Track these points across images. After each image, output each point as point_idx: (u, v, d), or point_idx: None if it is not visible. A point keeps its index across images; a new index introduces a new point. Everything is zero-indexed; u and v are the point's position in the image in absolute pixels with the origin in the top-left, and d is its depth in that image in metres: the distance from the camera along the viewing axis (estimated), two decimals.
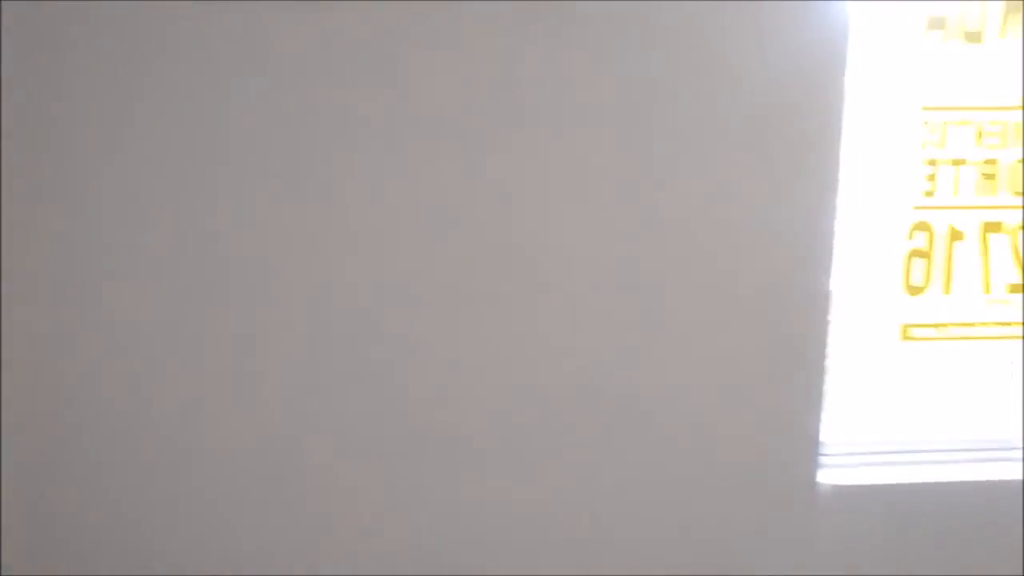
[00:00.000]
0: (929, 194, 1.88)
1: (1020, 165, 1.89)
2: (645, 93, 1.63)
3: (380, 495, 1.69)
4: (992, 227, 1.91)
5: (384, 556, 1.72)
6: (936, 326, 1.92)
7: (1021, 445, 2.02)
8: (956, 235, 1.89)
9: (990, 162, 1.89)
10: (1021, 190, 1.90)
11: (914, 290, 1.90)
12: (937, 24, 1.81)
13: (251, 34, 1.48)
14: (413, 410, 1.67)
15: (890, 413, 2.14)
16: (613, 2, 1.58)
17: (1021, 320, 1.94)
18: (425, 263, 1.62)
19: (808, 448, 1.83)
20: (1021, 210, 1.90)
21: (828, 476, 1.86)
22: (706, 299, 1.73)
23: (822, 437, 1.84)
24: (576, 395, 1.71)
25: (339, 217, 1.58)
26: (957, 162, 1.87)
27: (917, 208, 1.88)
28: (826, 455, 1.87)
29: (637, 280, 1.70)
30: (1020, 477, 1.94)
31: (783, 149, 1.71)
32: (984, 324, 1.94)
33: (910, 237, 1.88)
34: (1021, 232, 1.91)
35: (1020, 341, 1.96)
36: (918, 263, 1.89)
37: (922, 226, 1.88)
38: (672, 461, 1.78)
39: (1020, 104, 1.87)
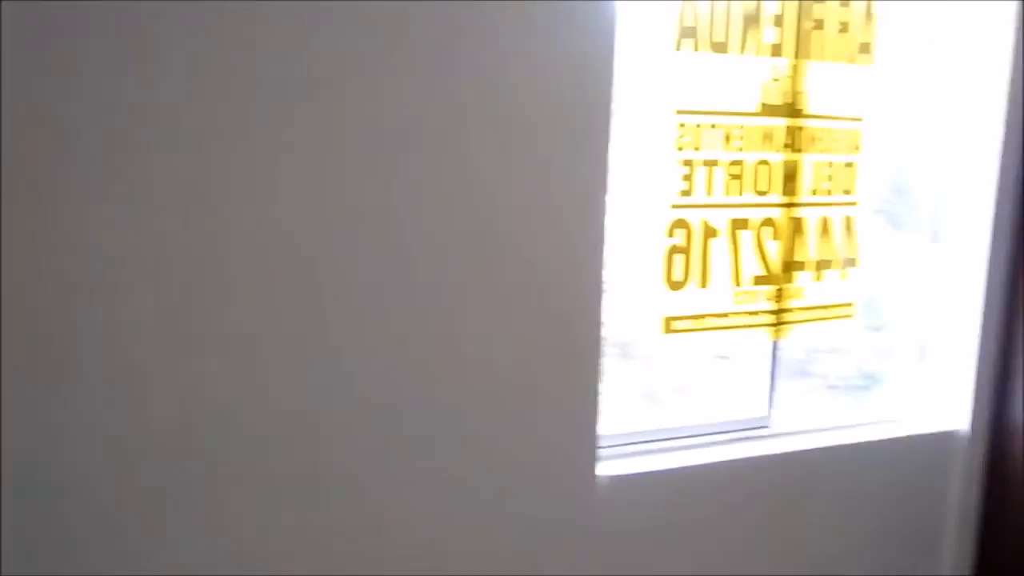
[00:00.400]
0: (686, 193, 2.00)
1: (761, 166, 2.07)
2: (413, 93, 1.63)
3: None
4: (740, 224, 2.07)
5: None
6: (695, 318, 2.05)
7: (769, 423, 2.23)
8: (711, 232, 2.04)
9: (736, 163, 2.05)
10: (764, 189, 2.08)
11: (675, 285, 2.02)
12: (688, 33, 1.94)
13: None
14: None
15: (656, 402, 2.28)
16: (384, 3, 1.56)
17: (768, 309, 2.13)
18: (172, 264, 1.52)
19: (587, 442, 1.89)
20: (767, 208, 2.09)
21: (606, 468, 1.94)
22: (482, 299, 1.75)
23: (599, 430, 1.91)
24: (354, 396, 1.67)
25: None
26: (709, 163, 2.01)
27: (675, 207, 2.00)
28: (603, 447, 1.94)
29: (412, 284, 1.69)
30: (771, 452, 2.13)
31: (554, 150, 1.76)
32: (737, 314, 2.10)
33: (670, 234, 2.00)
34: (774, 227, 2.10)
35: (769, 329, 2.15)
36: (678, 259, 2.02)
37: (680, 224, 2.01)
38: (454, 462, 1.78)
39: (758, 110, 2.04)
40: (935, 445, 2.33)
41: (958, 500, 2.36)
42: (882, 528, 2.29)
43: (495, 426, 1.80)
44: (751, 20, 2.00)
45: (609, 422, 1.97)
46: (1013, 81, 2.21)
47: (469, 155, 1.69)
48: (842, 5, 2.10)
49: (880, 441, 2.27)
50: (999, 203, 2.26)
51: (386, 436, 1.71)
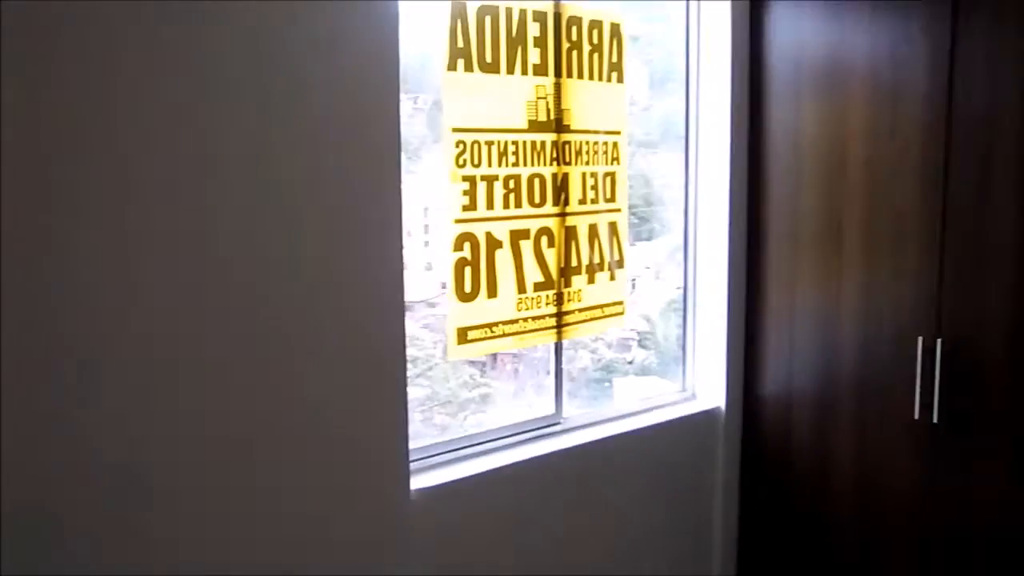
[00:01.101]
0: (469, 208, 2.10)
1: (535, 179, 2.22)
2: (199, 101, 1.57)
3: None
4: (520, 234, 2.21)
5: None
6: (487, 327, 2.16)
7: (560, 420, 2.38)
8: (495, 243, 2.15)
9: (512, 177, 2.18)
10: (539, 201, 2.23)
11: (466, 296, 2.11)
12: (460, 54, 2.04)
13: None
14: None
15: (456, 412, 2.36)
16: (166, 2, 1.50)
17: (551, 313, 2.29)
18: None
19: (397, 457, 1.92)
20: (543, 218, 2.24)
21: (417, 481, 1.98)
22: (283, 322, 1.72)
23: (408, 445, 1.94)
24: (152, 420, 1.57)
25: None
26: (488, 178, 2.13)
27: (459, 221, 2.09)
28: (412, 461, 1.98)
29: (207, 307, 1.62)
30: (563, 447, 2.28)
31: (346, 165, 1.77)
32: (524, 320, 2.23)
33: (457, 248, 2.09)
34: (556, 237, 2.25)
35: (552, 332, 2.31)
36: (466, 271, 2.11)
37: (466, 237, 2.10)
38: (264, 487, 1.72)
39: (528, 127, 2.20)
40: (702, 423, 2.62)
41: (723, 464, 2.67)
42: (666, 499, 2.54)
43: (306, 449, 1.77)
44: (517, 41, 2.15)
45: (416, 435, 2.02)
46: (736, 104, 2.55)
47: (262, 175, 1.66)
48: (592, 28, 2.31)
49: (656, 426, 2.51)
50: (733, 210, 2.58)
51: (191, 461, 1.62)
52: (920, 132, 2.17)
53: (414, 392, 2.17)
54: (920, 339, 2.18)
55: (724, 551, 2.72)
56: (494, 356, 2.46)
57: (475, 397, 2.41)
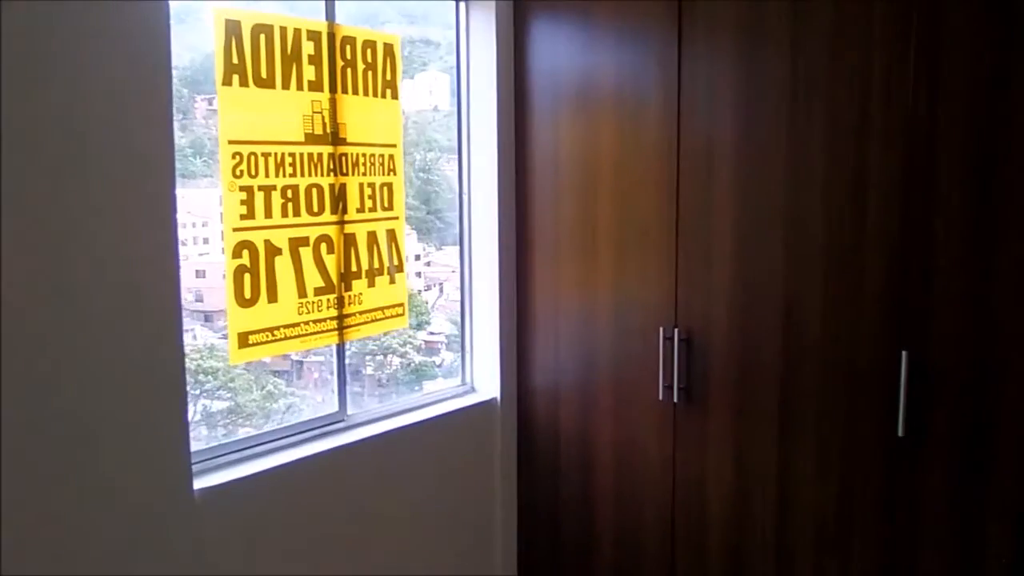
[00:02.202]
0: (247, 217, 2.21)
1: (313, 189, 2.36)
2: None
3: None
4: (300, 241, 2.35)
5: None
6: (268, 331, 2.28)
7: (344, 417, 2.54)
8: (274, 250, 2.28)
9: (290, 187, 2.31)
10: (317, 210, 2.38)
11: (246, 302, 2.22)
12: (235, 70, 2.15)
13: None
14: None
15: (242, 413, 2.46)
16: None
17: (332, 316, 2.44)
18: None
19: (179, 458, 1.99)
20: (321, 226, 2.39)
21: (200, 482, 2.07)
22: (64, 330, 1.76)
23: (190, 446, 2.03)
24: None
25: None
26: (265, 188, 2.25)
27: (238, 230, 2.20)
28: (196, 463, 2.07)
29: None
30: (347, 442, 2.44)
31: (114, 171, 1.82)
32: (305, 324, 2.37)
33: (236, 255, 2.19)
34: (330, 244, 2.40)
35: (335, 334, 2.46)
36: (246, 278, 2.22)
37: (245, 245, 2.21)
38: (47, 495, 1.75)
39: (305, 139, 2.34)
40: (481, 413, 2.86)
41: (500, 452, 2.93)
42: (451, 486, 2.75)
43: (86, 453, 1.81)
44: (292, 58, 2.28)
45: (199, 437, 2.10)
46: (502, 116, 2.81)
47: (31, 182, 1.69)
48: (366, 46, 2.49)
49: (438, 418, 2.72)
50: (502, 217, 2.85)
51: None
52: (657, 150, 2.52)
53: (217, 404, 2.27)
54: (661, 329, 2.53)
55: (505, 532, 2.98)
56: (300, 364, 2.60)
57: (280, 407, 2.53)
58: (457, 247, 2.96)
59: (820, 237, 2.23)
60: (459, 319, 2.97)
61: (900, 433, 2.14)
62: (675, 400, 2.54)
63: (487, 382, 2.92)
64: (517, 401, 2.96)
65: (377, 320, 2.59)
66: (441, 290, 3.09)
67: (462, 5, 2.83)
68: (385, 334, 2.78)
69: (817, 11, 2.20)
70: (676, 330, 2.51)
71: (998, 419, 2.02)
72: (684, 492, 2.57)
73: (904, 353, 2.11)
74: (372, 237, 2.55)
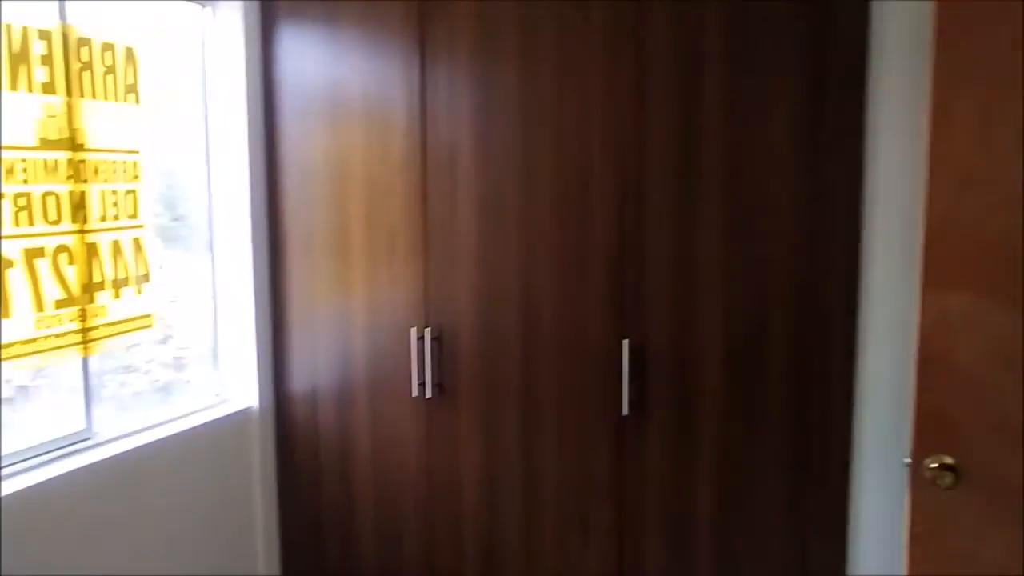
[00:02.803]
0: None
1: (49, 197, 2.28)
2: None
3: None
4: (35, 252, 2.25)
5: None
6: (2, 347, 2.16)
7: (91, 435, 2.45)
8: (6, 263, 2.17)
9: (23, 195, 2.22)
10: (55, 219, 2.29)
11: None
12: None
13: None
14: None
15: None
16: None
17: (75, 329, 2.35)
18: None
19: None
20: (60, 235, 2.30)
21: None
22: None
23: None
24: None
25: None
26: None
27: None
28: None
29: None
30: (96, 460, 2.37)
31: None
32: (44, 339, 2.27)
33: None
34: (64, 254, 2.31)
35: (80, 347, 2.37)
36: None
37: None
38: None
39: (38, 145, 2.25)
40: (236, 423, 2.87)
41: (259, 462, 2.95)
42: (207, 501, 2.73)
43: None
44: (20, 59, 2.19)
45: None
46: (251, 122, 2.85)
47: None
48: (105, 49, 2.43)
49: (191, 430, 2.69)
50: (255, 222, 2.88)
51: None
52: (405, 157, 2.68)
53: None
54: (413, 329, 2.70)
55: (267, 546, 3.01)
56: (11, 375, 2.44)
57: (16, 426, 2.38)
58: (205, 255, 2.94)
59: (550, 240, 2.51)
60: (210, 328, 2.95)
61: (624, 412, 2.46)
62: (428, 396, 2.72)
63: (242, 391, 2.94)
64: (275, 407, 3.00)
65: (124, 332, 2.53)
66: (190, 300, 3.04)
67: (207, 9, 2.83)
68: (129, 349, 2.71)
69: (542, 22, 2.45)
70: (427, 329, 2.69)
71: (700, 390, 2.39)
72: (440, 481, 2.75)
73: (625, 341, 2.43)
74: (117, 246, 2.49)
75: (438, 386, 2.71)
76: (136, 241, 2.56)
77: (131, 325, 2.56)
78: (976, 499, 2.06)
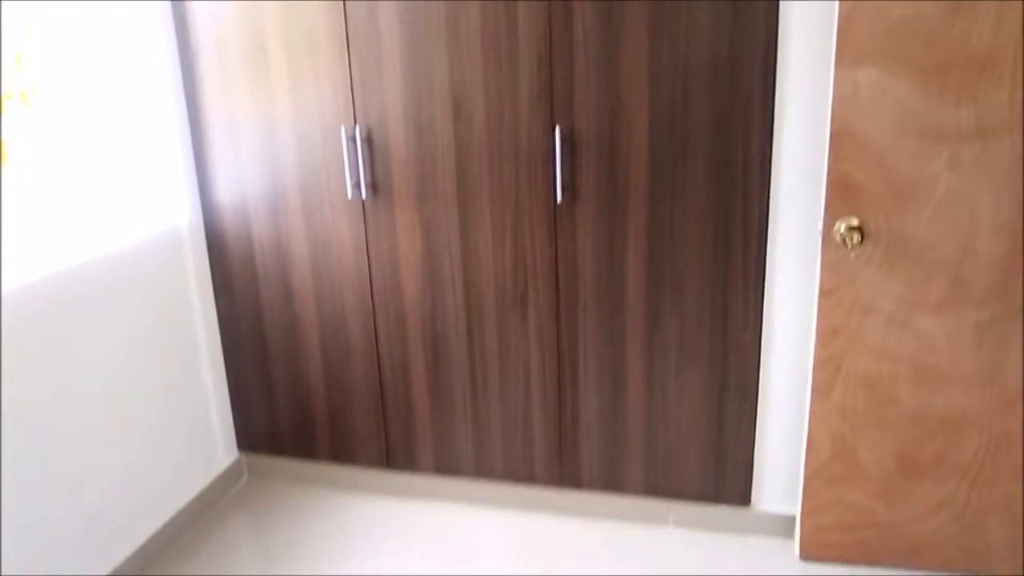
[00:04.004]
0: None
1: None
2: None
3: None
4: None
5: None
6: None
7: None
8: None
9: None
10: None
11: None
12: None
13: None
14: None
15: None
16: None
17: None
18: None
19: None
20: None
21: None
22: None
23: None
24: None
25: None
26: None
27: None
28: None
29: None
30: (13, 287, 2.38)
31: None
32: None
33: None
34: None
35: None
36: None
37: None
38: None
39: None
40: (167, 242, 2.88)
41: (195, 278, 3.01)
42: (147, 323, 2.80)
43: None
44: None
45: None
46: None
47: None
48: None
49: (121, 252, 2.69)
50: (164, 37, 2.76)
51: None
52: None
53: None
54: (342, 128, 2.72)
55: (212, 361, 3.12)
56: None
57: None
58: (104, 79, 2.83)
59: (479, 35, 2.52)
60: (129, 150, 2.88)
61: (558, 200, 2.61)
62: (363, 197, 2.79)
63: (169, 209, 2.92)
64: (205, 222, 3.01)
65: None
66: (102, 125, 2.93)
67: None
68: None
69: None
70: (357, 128, 2.71)
71: (628, 173, 2.55)
72: (381, 277, 2.89)
73: (557, 128, 2.53)
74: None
75: (372, 187, 2.78)
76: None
77: None
78: (877, 255, 2.35)
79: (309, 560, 2.85)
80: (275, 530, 3.03)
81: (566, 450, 2.92)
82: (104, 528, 2.64)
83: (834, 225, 2.34)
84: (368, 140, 2.72)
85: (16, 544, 2.31)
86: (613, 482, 2.92)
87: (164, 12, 2.77)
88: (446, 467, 3.09)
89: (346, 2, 2.61)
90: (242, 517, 3.12)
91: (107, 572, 2.65)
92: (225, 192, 2.95)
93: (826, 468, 2.60)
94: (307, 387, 3.13)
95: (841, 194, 2.31)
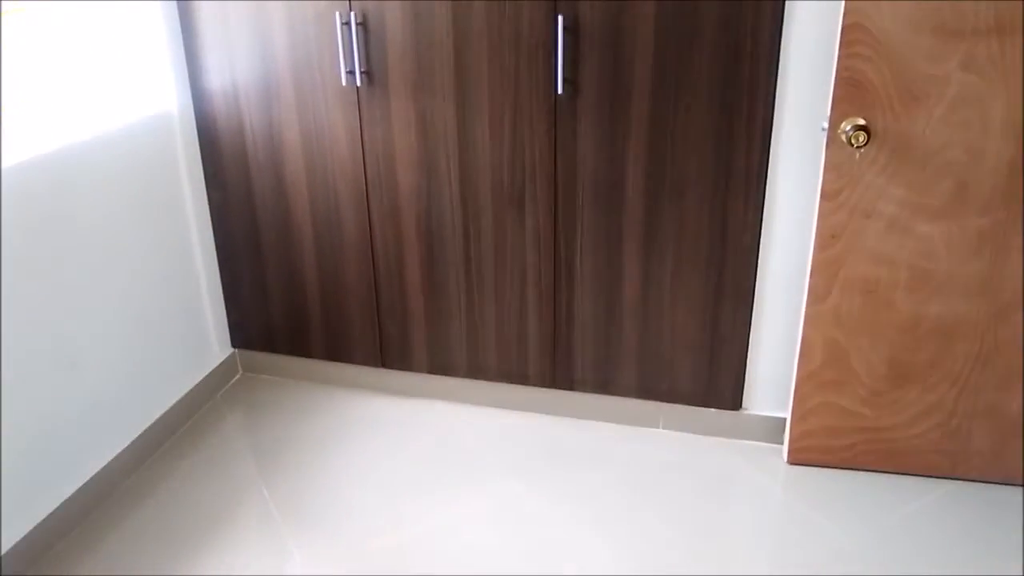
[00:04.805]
0: None
1: None
2: None
3: None
4: None
5: None
6: None
7: None
8: None
9: None
10: None
11: None
12: None
13: None
14: None
15: None
16: None
17: None
18: None
19: None
20: None
21: None
22: None
23: None
24: None
25: None
26: None
27: None
28: None
29: None
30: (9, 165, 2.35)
31: None
32: None
33: None
34: None
35: None
36: None
37: None
38: None
39: None
40: (156, 127, 2.84)
41: (185, 165, 2.98)
42: (140, 208, 2.78)
43: None
44: None
45: None
46: None
47: None
48: None
49: (109, 136, 2.64)
50: None
51: None
52: None
53: None
54: (337, 13, 2.65)
55: (203, 248, 3.11)
56: None
57: None
58: None
59: None
60: (116, 32, 2.81)
61: (559, 91, 2.55)
62: (358, 84, 2.74)
63: (158, 94, 2.87)
64: (195, 108, 2.96)
65: None
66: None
67: None
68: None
69: None
70: (352, 13, 2.64)
71: (632, 67, 2.49)
72: (375, 169, 2.86)
73: (559, 16, 2.46)
74: None
75: (367, 74, 2.72)
76: None
77: None
78: (882, 156, 2.32)
79: (303, 455, 2.90)
80: (269, 426, 3.07)
81: (560, 351, 2.94)
82: (100, 418, 2.68)
83: (840, 124, 2.30)
84: (363, 25, 2.65)
85: (14, 429, 2.34)
86: (605, 383, 2.95)
87: None
88: (440, 367, 3.11)
89: None
90: (236, 412, 3.16)
91: (102, 464, 2.70)
92: (216, 79, 2.89)
93: (818, 373, 2.63)
94: (301, 283, 3.13)
95: (849, 91, 2.26)
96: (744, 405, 2.86)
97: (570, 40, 2.49)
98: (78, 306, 2.55)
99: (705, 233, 2.64)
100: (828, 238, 2.45)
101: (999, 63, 2.16)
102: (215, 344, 3.27)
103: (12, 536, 2.36)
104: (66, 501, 2.54)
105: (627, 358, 2.88)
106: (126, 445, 2.79)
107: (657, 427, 2.99)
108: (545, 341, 2.94)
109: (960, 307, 2.45)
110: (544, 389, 3.05)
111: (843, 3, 2.18)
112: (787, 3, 2.33)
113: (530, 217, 2.76)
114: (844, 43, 2.22)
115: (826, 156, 2.35)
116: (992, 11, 2.11)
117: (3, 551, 2.33)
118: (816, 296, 2.53)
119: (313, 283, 3.12)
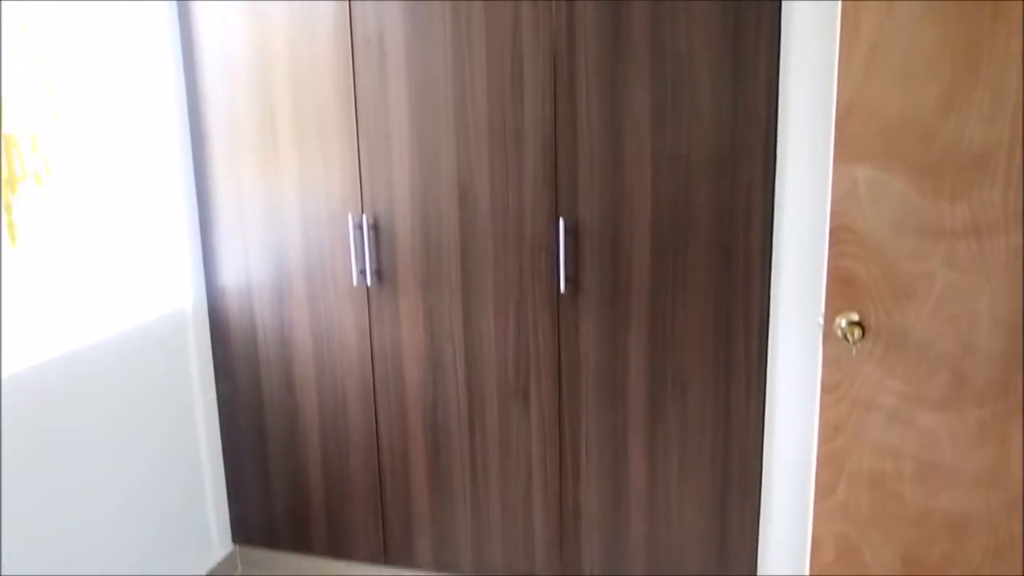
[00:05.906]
0: None
1: None
2: None
3: None
4: None
5: None
6: None
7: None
8: None
9: None
10: None
11: None
12: None
13: None
14: None
15: None
16: None
17: None
18: None
19: None
20: None
21: None
22: None
23: None
24: None
25: None
26: None
27: None
28: None
29: None
30: (13, 372, 2.45)
31: None
32: None
33: None
34: None
35: None
36: None
37: None
38: None
39: None
40: (170, 324, 2.96)
41: (196, 362, 3.07)
42: (145, 406, 2.85)
43: None
44: None
45: None
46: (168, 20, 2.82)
47: None
48: None
49: (122, 334, 2.76)
50: (174, 113, 2.91)
51: None
52: (332, 49, 2.74)
53: None
54: (350, 216, 2.83)
55: (209, 448, 3.16)
56: None
57: None
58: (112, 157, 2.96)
59: (485, 125, 2.65)
60: (135, 228, 2.99)
61: (562, 289, 2.69)
62: (368, 283, 2.88)
63: (173, 291, 3.01)
64: (209, 305, 3.10)
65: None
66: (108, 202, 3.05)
67: None
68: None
69: None
70: (364, 216, 2.82)
71: (630, 265, 2.64)
72: (383, 365, 2.95)
73: (560, 220, 2.63)
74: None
75: (377, 273, 2.87)
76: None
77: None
78: (878, 350, 2.41)
79: None
80: None
81: (567, 544, 2.92)
82: None
83: (835, 320, 2.41)
84: (375, 227, 2.82)
85: None
86: None
87: (178, 92, 2.91)
88: (445, 563, 3.08)
89: (356, 85, 2.75)
90: None
91: None
92: (231, 276, 3.04)
93: (830, 569, 2.60)
94: (305, 478, 3.15)
95: (841, 289, 2.39)
96: None
97: (571, 241, 2.65)
98: (78, 503, 2.57)
99: (709, 425, 2.69)
100: (831, 431, 2.50)
101: (979, 261, 2.30)
102: (216, 540, 3.25)
103: None
104: None
105: (636, 551, 2.86)
106: None
107: None
108: (552, 534, 2.93)
109: (970, 499, 2.46)
110: None
111: (830, 206, 2.35)
112: (776, 203, 2.50)
113: (535, 409, 2.83)
114: (832, 243, 2.37)
115: (824, 350, 2.44)
116: (968, 213, 2.27)
117: None
118: (824, 490, 2.55)
119: (317, 478, 3.14)
